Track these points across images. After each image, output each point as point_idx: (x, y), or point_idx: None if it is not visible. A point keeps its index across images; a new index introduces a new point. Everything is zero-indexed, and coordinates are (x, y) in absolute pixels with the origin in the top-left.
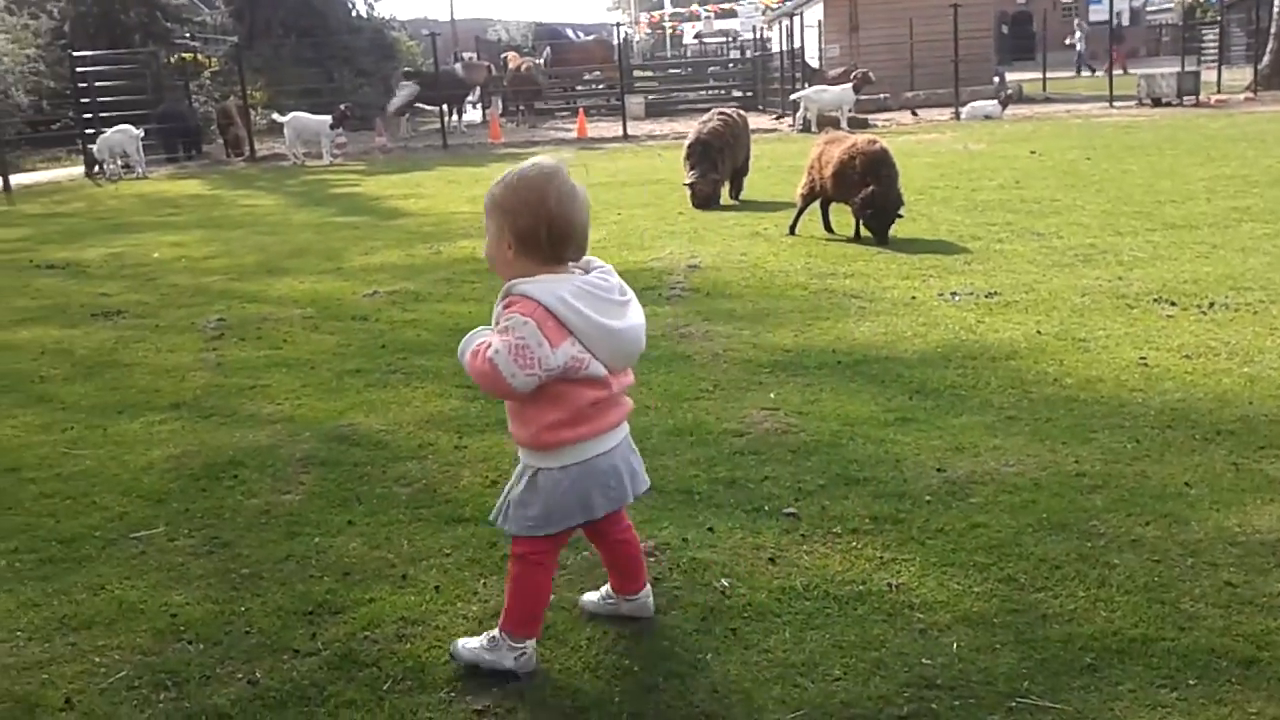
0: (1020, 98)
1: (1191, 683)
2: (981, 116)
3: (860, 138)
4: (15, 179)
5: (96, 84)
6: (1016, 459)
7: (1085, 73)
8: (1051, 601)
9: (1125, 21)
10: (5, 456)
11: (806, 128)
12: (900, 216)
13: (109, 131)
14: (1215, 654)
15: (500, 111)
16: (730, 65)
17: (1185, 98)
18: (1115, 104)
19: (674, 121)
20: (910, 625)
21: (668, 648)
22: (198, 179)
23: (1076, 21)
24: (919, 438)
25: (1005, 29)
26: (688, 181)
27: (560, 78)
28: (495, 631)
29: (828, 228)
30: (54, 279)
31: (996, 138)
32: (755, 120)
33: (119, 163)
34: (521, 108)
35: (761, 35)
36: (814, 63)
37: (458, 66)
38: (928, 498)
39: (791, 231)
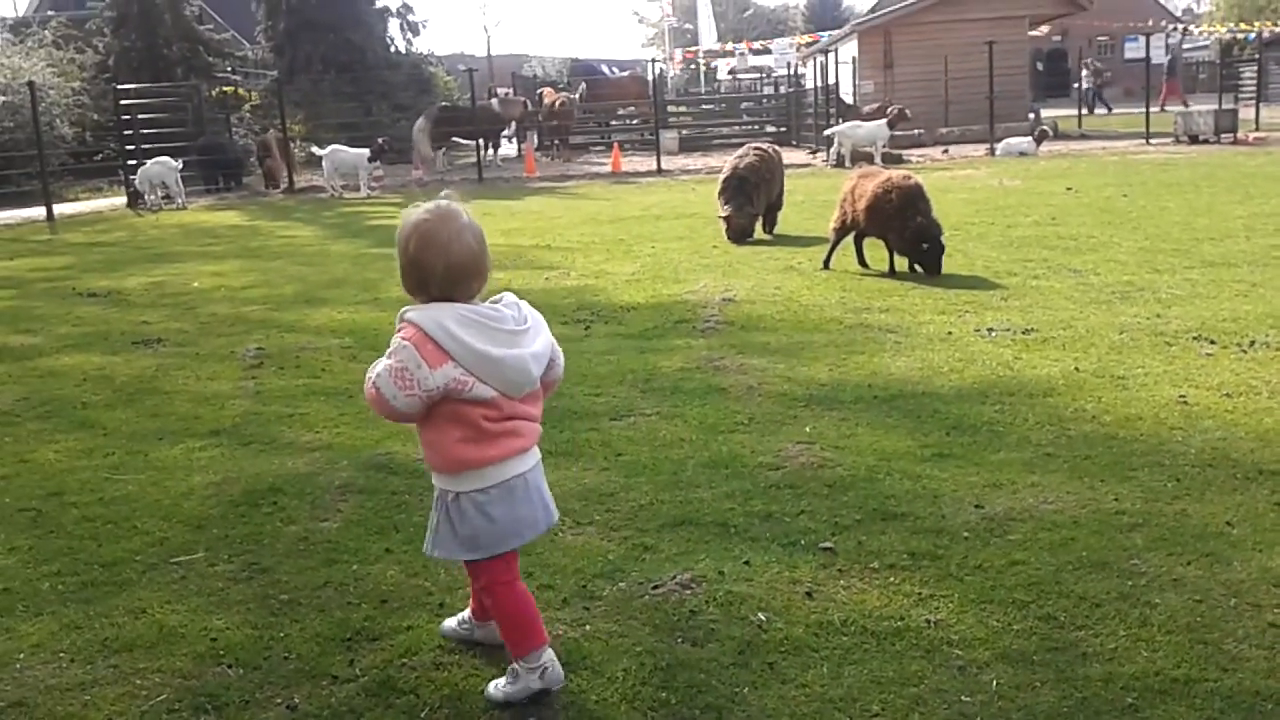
0: (1056, 134)
1: None
2: (1016, 153)
3: (895, 172)
4: (59, 209)
5: (139, 116)
6: (1055, 496)
7: (1100, 110)
8: (1092, 640)
9: (1162, 59)
10: (49, 481)
11: (840, 163)
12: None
13: (150, 163)
14: (1260, 696)
15: (535, 146)
16: (764, 101)
17: (1223, 135)
18: (1152, 141)
19: (707, 156)
20: (949, 662)
21: (704, 680)
22: (236, 210)
23: (1085, 60)
24: (956, 474)
25: (1040, 65)
26: (723, 214)
27: (595, 113)
28: (513, 664)
29: (862, 262)
30: (96, 307)
31: (1032, 174)
32: (789, 155)
33: (159, 194)
34: (556, 142)
35: (795, 71)
36: (848, 98)
37: (494, 101)
38: (966, 534)
39: (825, 266)
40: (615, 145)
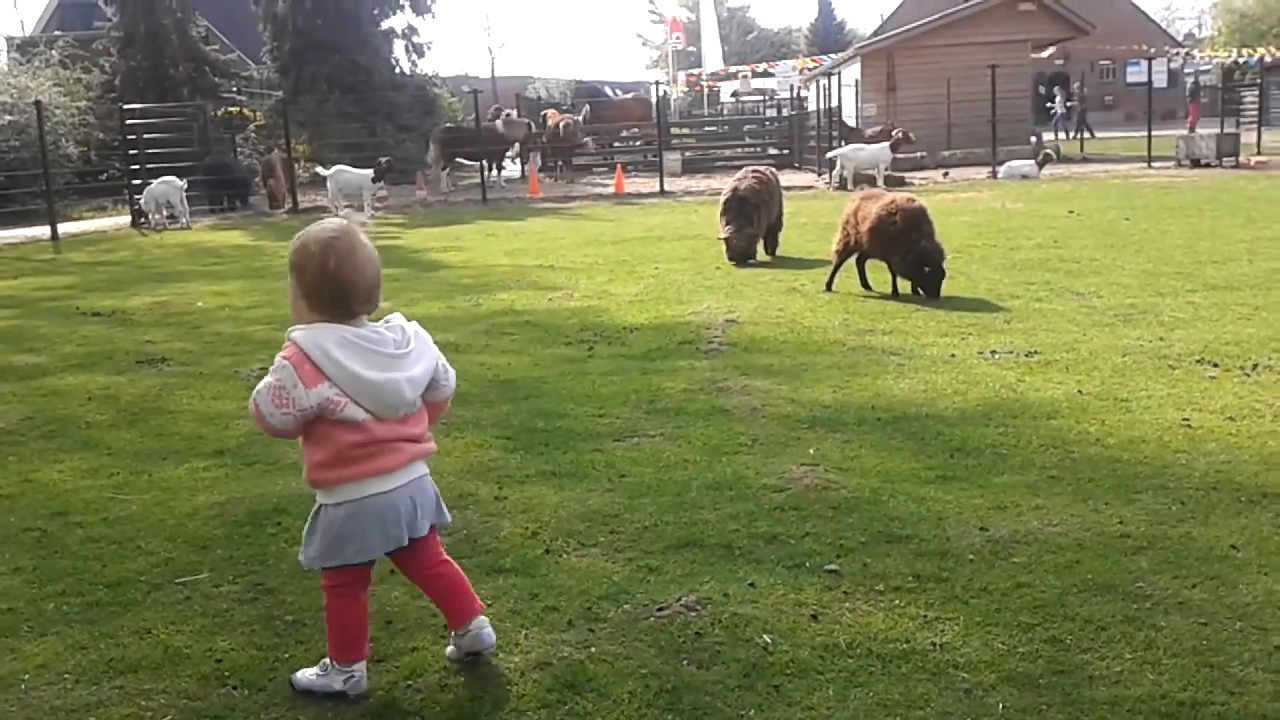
0: (1058, 157)
1: None
2: (1018, 176)
3: (898, 195)
4: (63, 228)
5: (145, 136)
6: (1060, 519)
7: (1077, 134)
8: (1098, 663)
9: (1164, 84)
10: (53, 501)
11: (843, 185)
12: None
13: (155, 183)
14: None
15: (539, 167)
16: (767, 123)
17: (1224, 159)
18: (1154, 165)
19: (710, 178)
20: (955, 685)
21: (710, 703)
22: (241, 230)
23: (1055, 89)
24: (961, 496)
25: (1042, 89)
26: (724, 235)
27: (599, 134)
28: (327, 659)
29: (864, 284)
30: (100, 326)
31: (1034, 197)
32: (793, 178)
33: (164, 213)
34: (560, 163)
35: (798, 94)
36: (851, 121)
37: (498, 123)
38: (971, 557)
39: (828, 288)
40: (619, 166)
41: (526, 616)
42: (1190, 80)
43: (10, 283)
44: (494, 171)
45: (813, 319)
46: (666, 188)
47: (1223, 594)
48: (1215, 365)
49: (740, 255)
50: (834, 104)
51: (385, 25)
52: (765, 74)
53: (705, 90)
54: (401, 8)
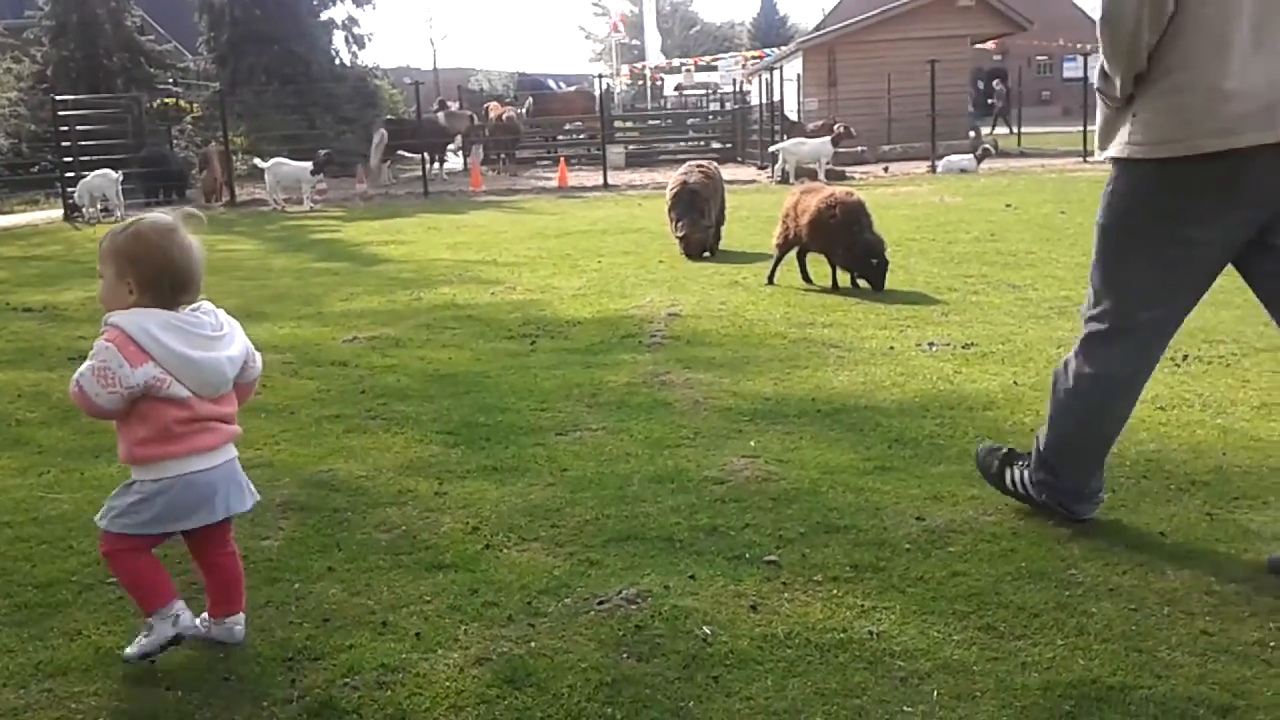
0: (996, 152)
1: None
2: (957, 170)
3: (838, 189)
4: None
5: (78, 128)
6: (995, 508)
7: (1001, 129)
8: (1030, 649)
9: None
10: None
11: (785, 179)
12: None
13: (90, 175)
14: (1192, 702)
15: (481, 160)
16: (710, 117)
17: None
18: (1089, 159)
19: (654, 171)
20: (891, 673)
21: (650, 695)
22: None
23: (995, 83)
24: (898, 486)
25: (980, 85)
26: (681, 233)
27: (542, 127)
28: (147, 620)
29: (805, 277)
30: (31, 322)
31: (972, 191)
32: (736, 172)
33: (99, 206)
34: (503, 156)
35: (741, 88)
36: (793, 116)
37: (440, 115)
38: (907, 546)
39: (770, 281)
40: (562, 160)
41: (466, 612)
42: None
43: None
44: (436, 164)
45: (754, 312)
46: (610, 181)
47: (1151, 580)
48: None
49: (698, 248)
50: (776, 98)
51: (325, 16)
52: (709, 68)
53: (649, 83)
54: None
